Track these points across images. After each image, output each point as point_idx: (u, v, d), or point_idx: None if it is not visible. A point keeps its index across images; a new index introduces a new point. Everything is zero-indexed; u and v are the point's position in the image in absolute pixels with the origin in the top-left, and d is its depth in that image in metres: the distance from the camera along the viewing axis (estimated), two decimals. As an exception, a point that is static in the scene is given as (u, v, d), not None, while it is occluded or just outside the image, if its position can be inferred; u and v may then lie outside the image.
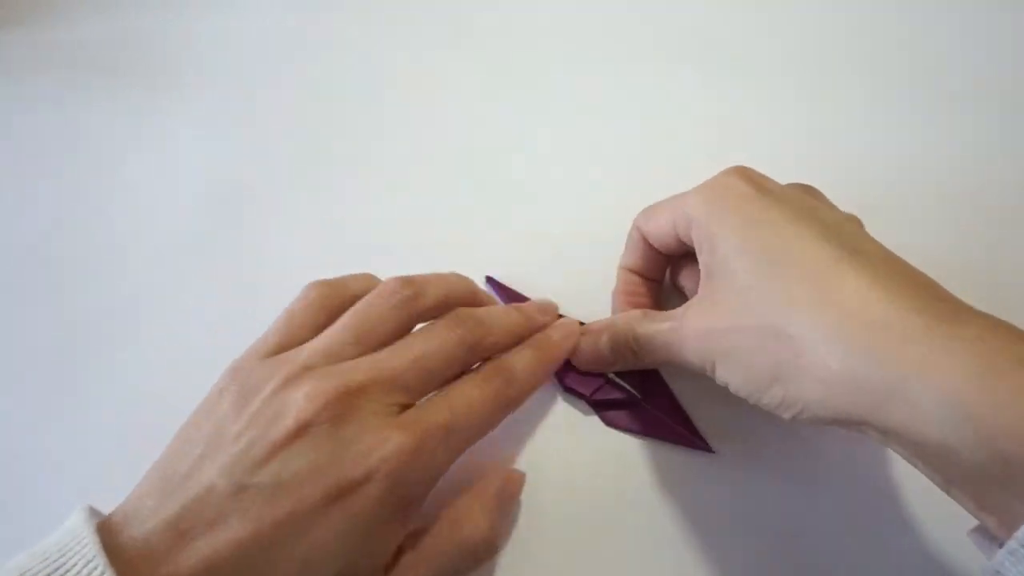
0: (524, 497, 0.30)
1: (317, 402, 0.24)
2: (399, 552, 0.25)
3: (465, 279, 0.31)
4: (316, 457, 0.23)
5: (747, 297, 0.25)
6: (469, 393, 0.27)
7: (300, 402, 0.24)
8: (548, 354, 0.30)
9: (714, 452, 0.30)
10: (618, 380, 0.32)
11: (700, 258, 0.28)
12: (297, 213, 0.38)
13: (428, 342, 0.27)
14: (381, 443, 0.23)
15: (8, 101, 0.43)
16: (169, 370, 0.33)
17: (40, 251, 0.38)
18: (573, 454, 0.31)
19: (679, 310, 0.28)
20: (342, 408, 0.24)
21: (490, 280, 0.35)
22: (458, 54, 0.45)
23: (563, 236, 0.37)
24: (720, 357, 0.26)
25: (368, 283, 0.29)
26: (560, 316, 0.33)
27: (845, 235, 0.25)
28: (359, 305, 0.27)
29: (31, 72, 0.44)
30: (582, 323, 0.32)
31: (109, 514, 0.23)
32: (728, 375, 0.26)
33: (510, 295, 0.34)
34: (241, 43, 0.45)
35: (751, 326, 0.25)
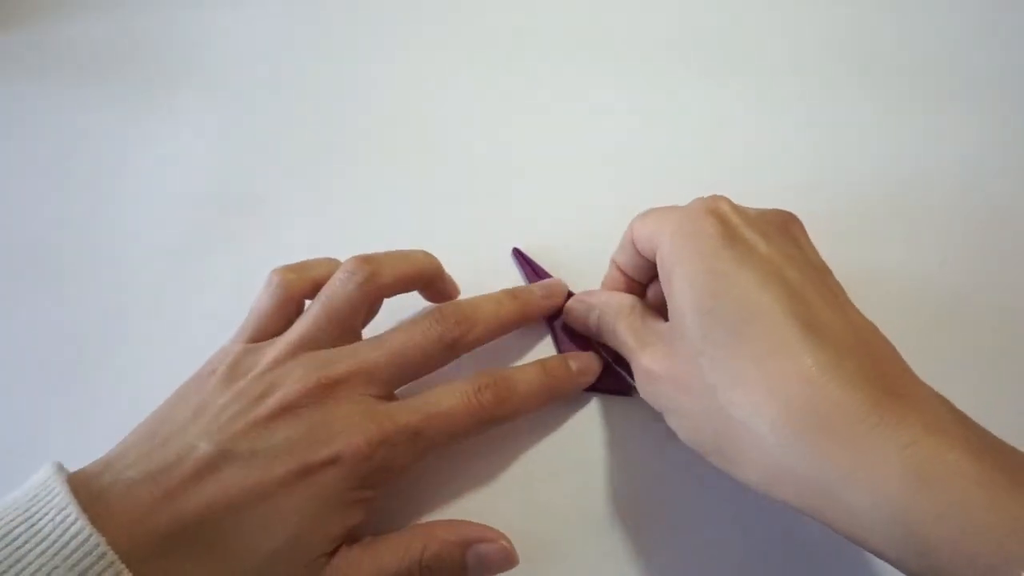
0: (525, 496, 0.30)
1: (300, 388, 0.26)
2: (351, 541, 0.26)
3: (432, 258, 0.31)
4: (291, 435, 0.25)
5: (698, 362, 0.24)
6: (449, 402, 0.27)
7: (285, 386, 0.26)
8: (557, 382, 0.30)
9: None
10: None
11: (663, 290, 0.27)
12: (298, 213, 0.38)
13: (408, 337, 0.28)
14: (350, 430, 0.25)
15: (8, 101, 0.43)
16: (169, 370, 0.33)
17: (40, 251, 0.38)
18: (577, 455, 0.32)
19: (646, 334, 0.28)
20: (322, 395, 0.26)
21: (516, 252, 0.35)
22: (458, 54, 0.45)
23: (564, 237, 0.37)
24: (667, 409, 0.27)
25: (329, 266, 0.30)
26: (571, 294, 0.33)
27: (807, 303, 0.24)
28: (324, 290, 0.29)
29: (31, 72, 0.44)
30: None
31: (86, 465, 0.25)
32: (674, 426, 0.26)
33: (535, 270, 0.35)
34: (241, 43, 0.45)
35: (698, 393, 0.24)
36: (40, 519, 0.22)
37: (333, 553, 0.25)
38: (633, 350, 0.28)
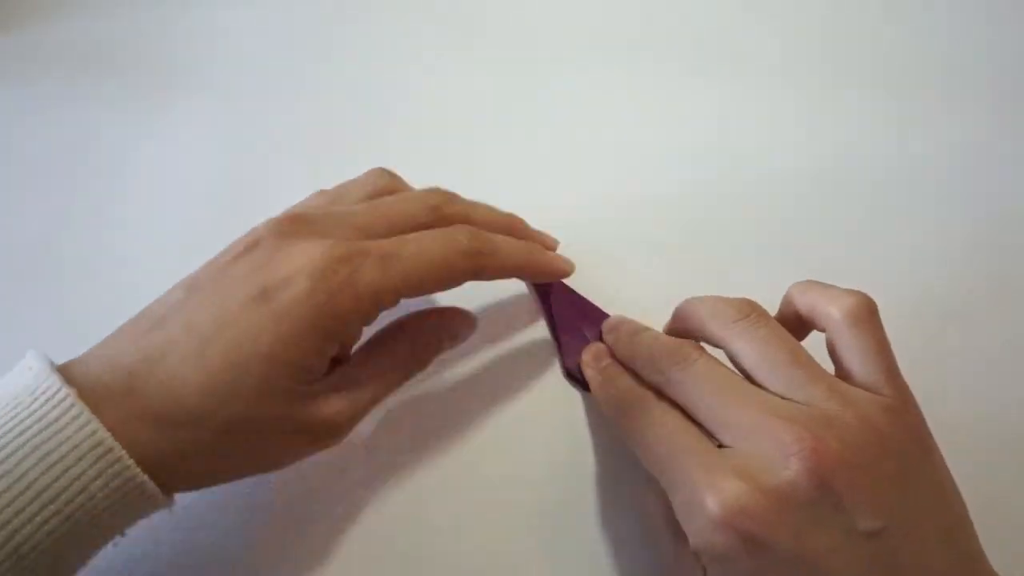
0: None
1: (271, 225, 0.26)
2: (340, 364, 0.27)
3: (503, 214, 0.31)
4: (254, 263, 0.25)
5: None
6: (425, 237, 0.27)
7: (259, 227, 0.26)
8: (537, 253, 0.31)
9: None
10: None
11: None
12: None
13: (396, 199, 0.29)
14: (311, 249, 0.25)
15: (8, 101, 0.43)
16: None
17: (41, 251, 0.38)
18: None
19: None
20: (291, 228, 0.26)
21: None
22: (457, 54, 0.45)
23: (564, 237, 0.37)
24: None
25: (422, 199, 0.29)
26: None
27: None
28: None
29: (31, 72, 0.44)
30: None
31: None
32: None
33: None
34: (241, 43, 0.45)
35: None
36: (14, 382, 0.22)
37: (310, 395, 0.25)
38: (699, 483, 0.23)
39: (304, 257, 0.24)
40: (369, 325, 0.26)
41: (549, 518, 0.30)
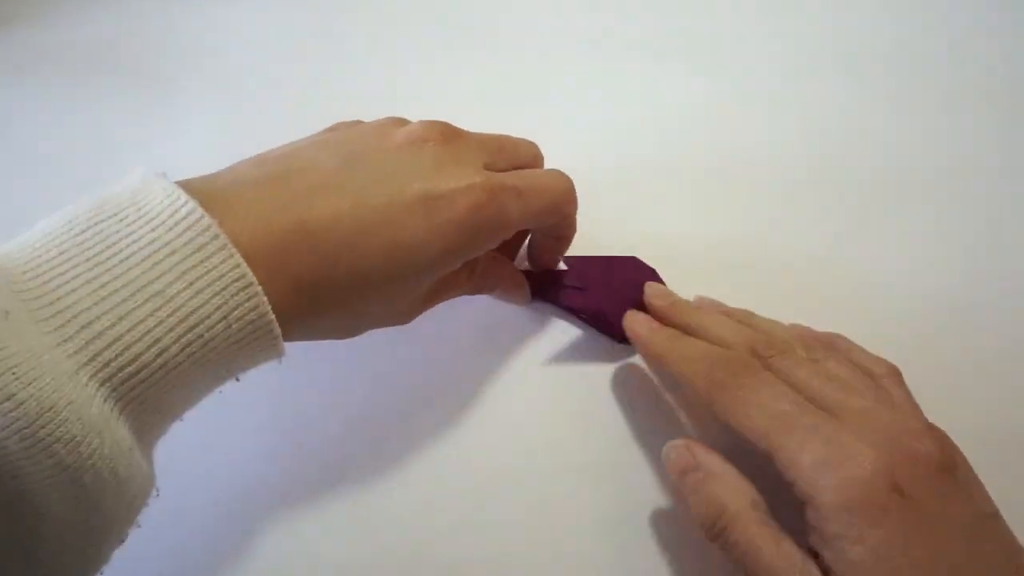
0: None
1: (427, 129, 0.28)
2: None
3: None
4: (418, 164, 0.27)
5: None
6: (544, 176, 0.31)
7: (413, 125, 0.28)
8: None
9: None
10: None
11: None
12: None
13: (506, 138, 0.32)
14: (468, 178, 0.27)
15: (8, 101, 0.43)
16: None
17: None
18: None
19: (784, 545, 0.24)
20: (445, 140, 0.28)
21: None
22: (457, 54, 0.45)
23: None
24: None
25: (527, 146, 0.33)
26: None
27: None
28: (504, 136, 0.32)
29: (31, 72, 0.44)
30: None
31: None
32: None
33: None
34: (241, 42, 0.45)
35: None
36: (148, 202, 0.22)
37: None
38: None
39: (466, 181, 0.26)
40: None
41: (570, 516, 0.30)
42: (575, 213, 0.32)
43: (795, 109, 0.43)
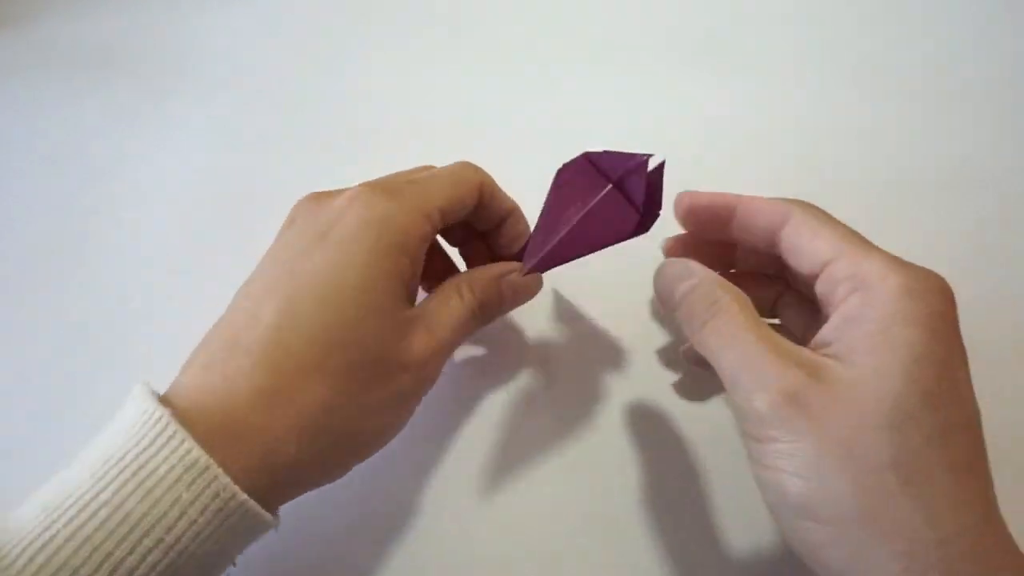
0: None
1: (300, 203, 0.28)
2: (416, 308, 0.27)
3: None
4: (302, 229, 0.26)
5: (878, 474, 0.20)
6: (438, 168, 0.29)
7: (290, 213, 0.28)
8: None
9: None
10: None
11: (835, 333, 0.23)
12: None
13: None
14: (347, 192, 0.27)
15: (8, 101, 0.43)
16: (169, 369, 0.33)
17: (40, 251, 0.38)
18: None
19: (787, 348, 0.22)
20: (317, 196, 0.28)
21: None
22: (457, 54, 0.45)
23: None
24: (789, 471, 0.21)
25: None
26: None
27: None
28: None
29: (31, 72, 0.44)
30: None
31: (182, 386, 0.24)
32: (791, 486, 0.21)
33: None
34: (241, 43, 0.45)
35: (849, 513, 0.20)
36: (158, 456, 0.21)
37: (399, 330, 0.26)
38: (771, 362, 0.22)
39: (344, 198, 0.26)
40: (428, 242, 0.27)
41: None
42: (495, 195, 0.30)
43: (789, 113, 0.43)
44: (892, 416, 0.20)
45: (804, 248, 0.25)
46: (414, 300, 0.28)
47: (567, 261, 0.27)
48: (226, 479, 0.21)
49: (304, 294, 0.24)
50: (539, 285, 0.32)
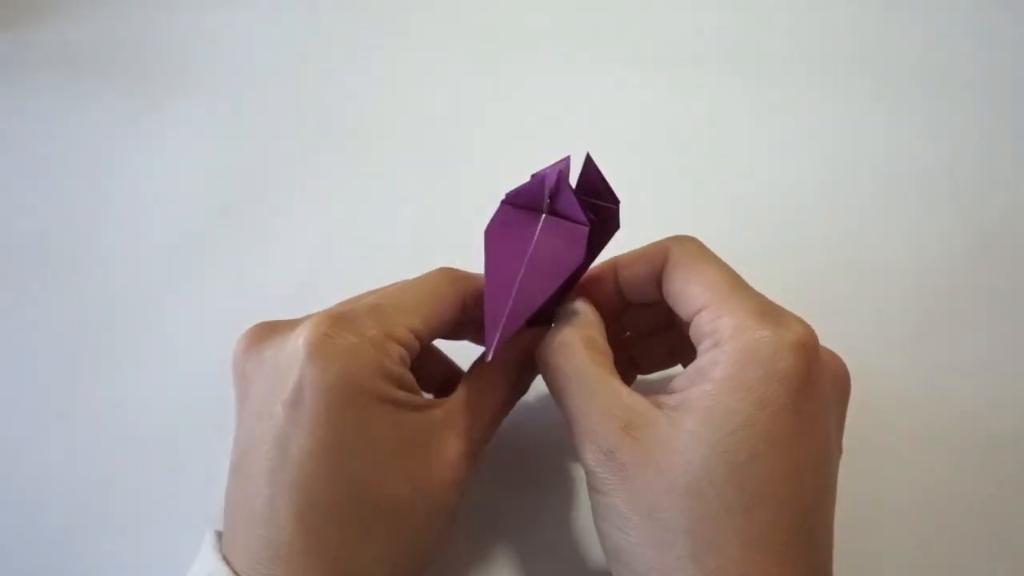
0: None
1: (234, 359, 0.24)
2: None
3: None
4: (260, 381, 0.23)
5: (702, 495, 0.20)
6: (404, 282, 0.26)
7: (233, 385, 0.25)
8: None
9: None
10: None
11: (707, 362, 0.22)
12: (297, 212, 0.38)
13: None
14: (293, 337, 0.22)
15: (7, 101, 0.43)
16: (168, 370, 0.33)
17: (39, 251, 0.38)
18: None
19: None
20: (259, 333, 0.24)
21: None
22: (453, 52, 0.45)
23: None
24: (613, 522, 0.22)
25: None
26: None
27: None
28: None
29: (31, 72, 0.44)
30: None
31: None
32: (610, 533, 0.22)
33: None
34: (240, 43, 0.45)
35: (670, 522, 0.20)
36: None
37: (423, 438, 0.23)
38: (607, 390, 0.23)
39: (296, 345, 0.22)
40: (415, 356, 0.24)
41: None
42: (479, 305, 0.25)
43: (789, 115, 0.43)
44: (696, 484, 0.20)
45: (679, 294, 0.24)
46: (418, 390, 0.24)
47: (535, 314, 0.24)
48: None
49: (318, 499, 0.21)
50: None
